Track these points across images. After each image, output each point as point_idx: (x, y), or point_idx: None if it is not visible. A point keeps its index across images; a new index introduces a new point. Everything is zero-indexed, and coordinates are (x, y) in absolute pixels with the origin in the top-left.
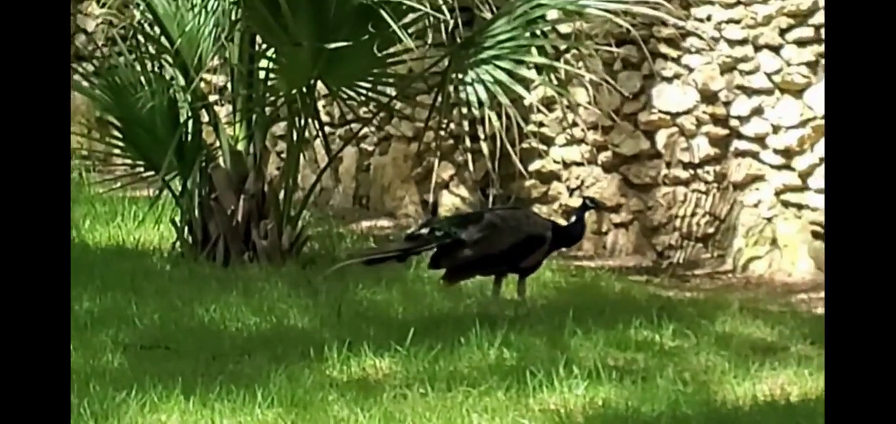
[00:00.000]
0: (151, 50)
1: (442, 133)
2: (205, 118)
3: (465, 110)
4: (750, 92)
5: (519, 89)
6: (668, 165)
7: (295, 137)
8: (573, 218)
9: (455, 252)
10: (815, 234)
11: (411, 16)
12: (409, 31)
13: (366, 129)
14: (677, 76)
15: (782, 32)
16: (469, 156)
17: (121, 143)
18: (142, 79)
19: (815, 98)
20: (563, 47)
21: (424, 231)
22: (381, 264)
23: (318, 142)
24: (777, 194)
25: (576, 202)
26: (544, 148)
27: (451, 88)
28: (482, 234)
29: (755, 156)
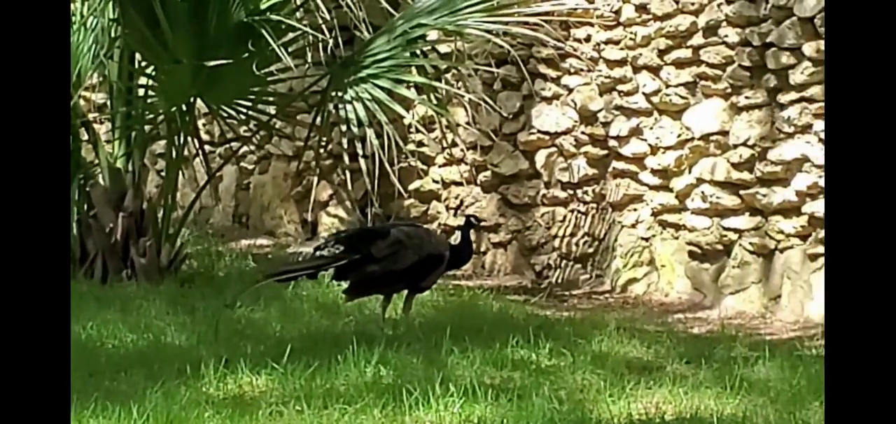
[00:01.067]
0: None
1: (322, 152)
2: (84, 135)
3: (344, 129)
4: (628, 113)
5: (398, 108)
6: (547, 185)
7: (174, 155)
8: (458, 239)
9: (362, 266)
10: (691, 254)
11: (291, 35)
12: (289, 49)
13: (246, 148)
14: (556, 97)
15: (661, 53)
16: (349, 175)
17: None
18: None
19: (693, 119)
20: (442, 67)
21: (329, 247)
22: (294, 281)
23: (197, 160)
24: (655, 215)
25: (455, 221)
26: (424, 167)
27: (331, 107)
28: (390, 250)
29: (633, 176)
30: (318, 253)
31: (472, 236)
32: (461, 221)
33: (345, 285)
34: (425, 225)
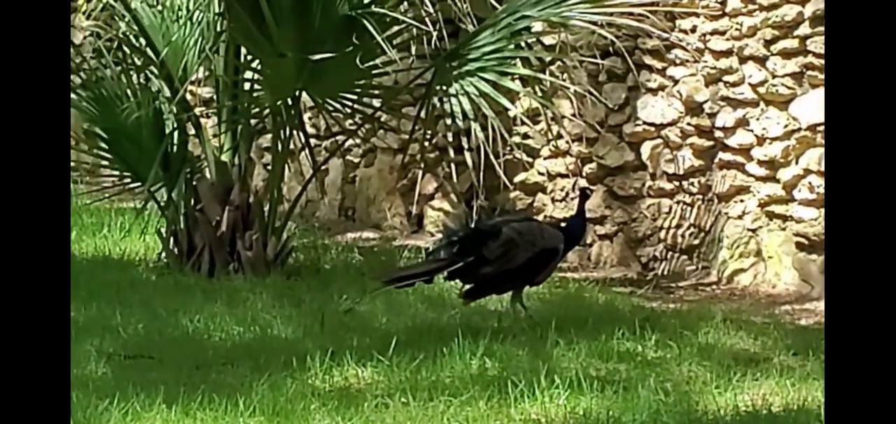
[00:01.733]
0: (137, 61)
1: (427, 145)
2: (190, 130)
3: (449, 122)
4: (734, 103)
5: (503, 101)
6: (653, 177)
7: (280, 149)
8: (572, 216)
9: (475, 269)
10: (799, 246)
11: (395, 28)
12: (394, 43)
13: (351, 141)
14: (662, 88)
15: (767, 44)
16: (454, 167)
17: (107, 155)
18: (128, 90)
19: (800, 109)
20: (547, 59)
21: (441, 249)
22: (411, 286)
23: (303, 153)
24: (761, 206)
25: (561, 213)
26: (529, 160)
27: (436, 100)
28: (503, 250)
29: (740, 167)
30: (430, 255)
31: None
32: (572, 210)
33: (457, 282)
34: (536, 218)
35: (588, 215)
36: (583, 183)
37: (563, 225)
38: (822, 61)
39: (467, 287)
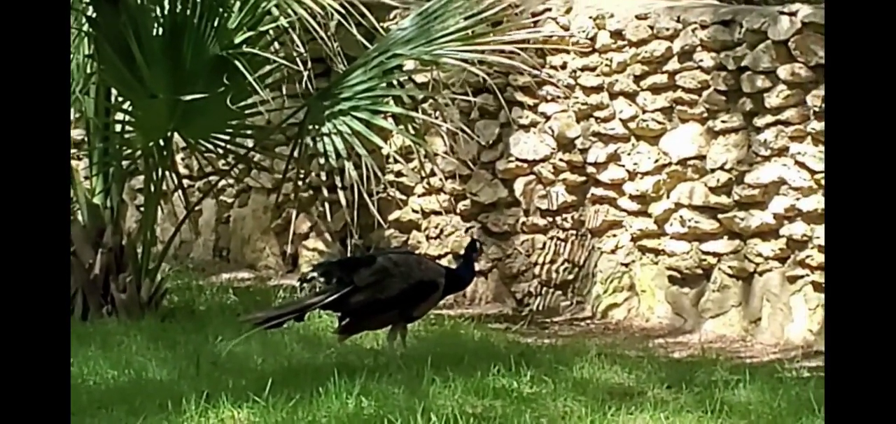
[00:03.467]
0: None
1: (300, 184)
2: None
3: (322, 161)
4: (606, 139)
5: (376, 139)
6: (527, 213)
7: (152, 190)
8: (460, 261)
9: (347, 298)
10: (671, 279)
11: (267, 67)
12: (266, 82)
13: (224, 181)
14: (534, 124)
15: (636, 79)
16: (328, 206)
17: None
18: None
19: (670, 144)
20: (419, 97)
21: (312, 279)
22: (282, 325)
23: (176, 194)
24: (634, 240)
25: (435, 251)
26: (403, 197)
27: (309, 139)
28: (375, 278)
29: (612, 202)
30: (302, 285)
31: (474, 257)
32: (443, 250)
33: (333, 323)
34: (417, 252)
35: (482, 249)
36: (450, 241)
37: (449, 268)
38: (692, 96)
39: (344, 322)
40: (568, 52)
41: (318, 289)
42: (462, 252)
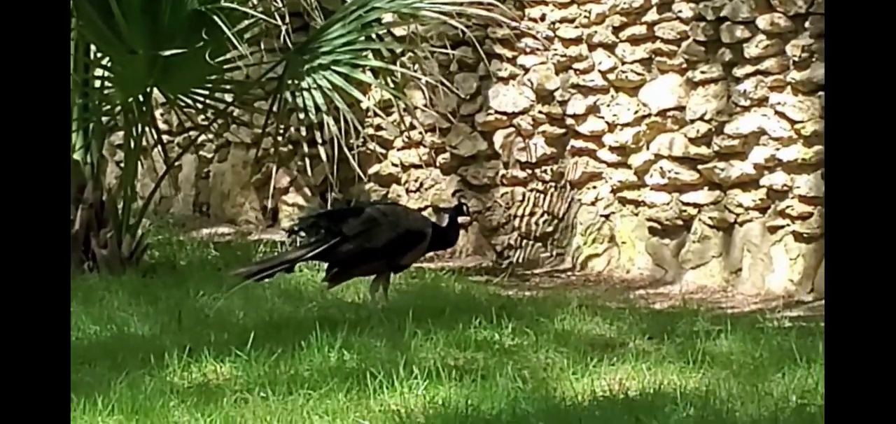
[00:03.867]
0: None
1: (280, 139)
2: None
3: (302, 116)
4: (585, 91)
5: (355, 93)
6: (506, 166)
7: (132, 146)
8: (446, 221)
9: (336, 246)
10: (651, 231)
11: (245, 22)
12: (244, 37)
13: (204, 136)
14: (513, 77)
15: (616, 31)
16: (307, 161)
17: None
18: None
19: (650, 95)
20: (398, 50)
21: (300, 229)
22: (271, 277)
23: (156, 150)
24: (614, 192)
25: (415, 204)
26: (383, 151)
27: (288, 94)
28: (363, 227)
29: (592, 154)
30: (290, 236)
31: (460, 220)
32: (424, 203)
33: (315, 276)
34: (405, 204)
35: (471, 213)
36: (430, 194)
37: (437, 223)
38: (671, 47)
39: (328, 270)
40: (547, 3)
41: (305, 241)
42: (446, 209)
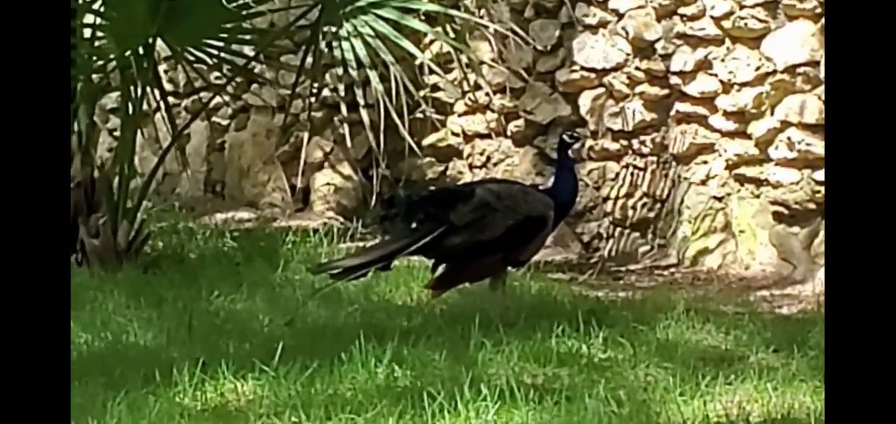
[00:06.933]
0: None
1: (313, 101)
2: None
3: (341, 72)
4: (694, 42)
5: (407, 45)
6: (595, 135)
7: (130, 110)
8: (553, 177)
9: (441, 239)
10: (776, 216)
11: None
12: None
13: (219, 99)
14: (603, 24)
15: None
16: (347, 129)
17: None
18: None
19: (775, 47)
20: None
21: (391, 217)
22: (365, 276)
23: (159, 115)
24: (729, 168)
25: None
26: (440, 117)
27: (324, 45)
28: (475, 216)
29: (702, 121)
30: (382, 221)
31: (571, 155)
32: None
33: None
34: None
35: (581, 136)
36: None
37: (542, 188)
38: None
39: (433, 269)
40: None
41: (399, 230)
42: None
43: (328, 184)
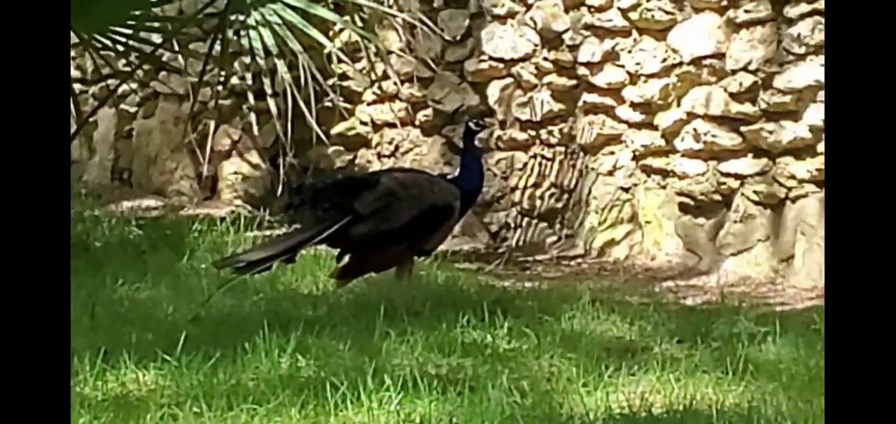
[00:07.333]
0: None
1: (221, 89)
2: None
3: (248, 60)
4: (601, 33)
5: (314, 33)
6: (503, 125)
7: None
8: (458, 167)
9: (347, 229)
10: (682, 207)
11: None
12: None
13: (126, 86)
14: (512, 14)
15: None
16: (254, 117)
17: None
18: None
19: (682, 39)
20: None
21: (295, 205)
22: (269, 269)
23: None
24: (636, 159)
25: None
26: (348, 106)
27: (231, 33)
28: (380, 204)
29: (609, 112)
30: (287, 211)
31: (478, 144)
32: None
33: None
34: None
35: (488, 122)
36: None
37: (449, 178)
38: None
39: (338, 259)
40: None
41: (305, 219)
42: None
43: (236, 172)
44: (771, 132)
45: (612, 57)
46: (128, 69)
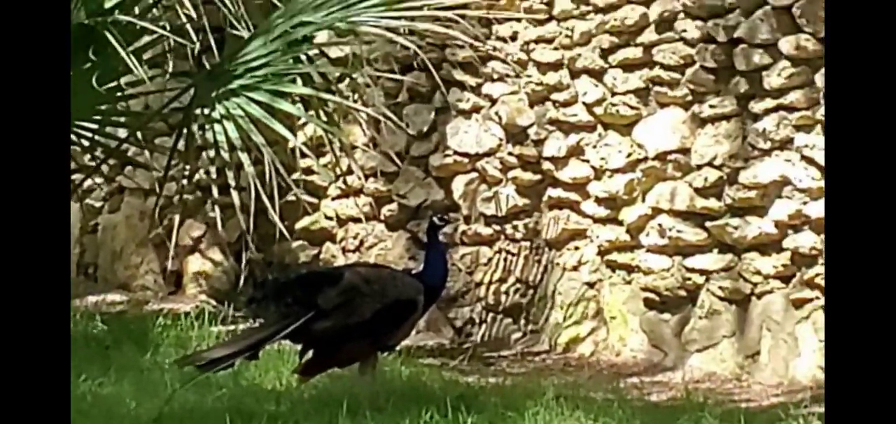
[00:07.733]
0: None
1: (186, 184)
2: None
3: (213, 155)
4: (566, 127)
5: (279, 128)
6: (468, 220)
7: None
8: (422, 262)
9: (309, 325)
10: (648, 303)
11: (146, 38)
12: (144, 57)
13: (91, 181)
14: (477, 109)
15: (604, 53)
16: (219, 212)
17: None
18: None
19: (646, 134)
20: (334, 75)
21: (258, 300)
22: (232, 367)
23: None
24: (601, 254)
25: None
26: (313, 201)
27: (196, 128)
28: (343, 299)
29: (574, 207)
30: (249, 306)
31: (442, 239)
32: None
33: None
34: (391, 266)
35: (452, 217)
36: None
37: (414, 272)
38: (672, 75)
39: (300, 356)
40: (519, 19)
41: (270, 316)
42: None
43: (200, 267)
44: (736, 227)
45: (577, 152)
46: (93, 164)
